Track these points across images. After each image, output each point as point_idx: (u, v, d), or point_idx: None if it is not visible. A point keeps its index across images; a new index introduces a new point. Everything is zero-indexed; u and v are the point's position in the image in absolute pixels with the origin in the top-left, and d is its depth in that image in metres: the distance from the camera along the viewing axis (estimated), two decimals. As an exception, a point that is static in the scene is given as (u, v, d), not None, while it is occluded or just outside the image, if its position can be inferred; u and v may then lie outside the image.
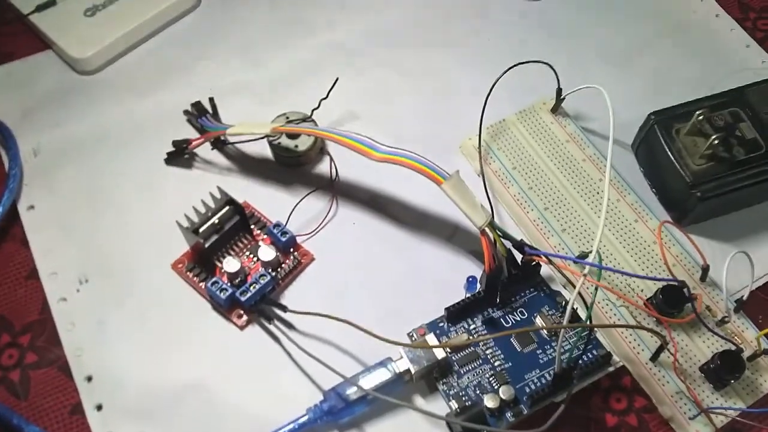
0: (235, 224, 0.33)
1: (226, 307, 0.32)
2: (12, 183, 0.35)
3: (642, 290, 0.33)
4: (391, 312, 0.32)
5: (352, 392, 0.29)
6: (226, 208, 0.33)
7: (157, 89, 0.39)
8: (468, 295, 0.32)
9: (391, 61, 0.41)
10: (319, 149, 0.37)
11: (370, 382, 0.29)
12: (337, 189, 0.36)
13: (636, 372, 0.31)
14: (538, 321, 0.32)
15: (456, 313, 0.32)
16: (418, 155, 0.31)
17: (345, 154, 0.33)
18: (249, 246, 0.34)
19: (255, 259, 0.33)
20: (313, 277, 0.34)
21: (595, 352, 0.31)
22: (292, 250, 0.34)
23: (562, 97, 0.37)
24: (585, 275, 0.29)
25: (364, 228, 0.35)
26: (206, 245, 0.32)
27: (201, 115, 0.37)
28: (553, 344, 0.31)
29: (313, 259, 0.34)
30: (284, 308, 0.31)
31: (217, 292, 0.31)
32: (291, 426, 0.29)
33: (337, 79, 0.37)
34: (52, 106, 0.39)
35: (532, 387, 0.30)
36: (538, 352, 0.31)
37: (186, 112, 0.38)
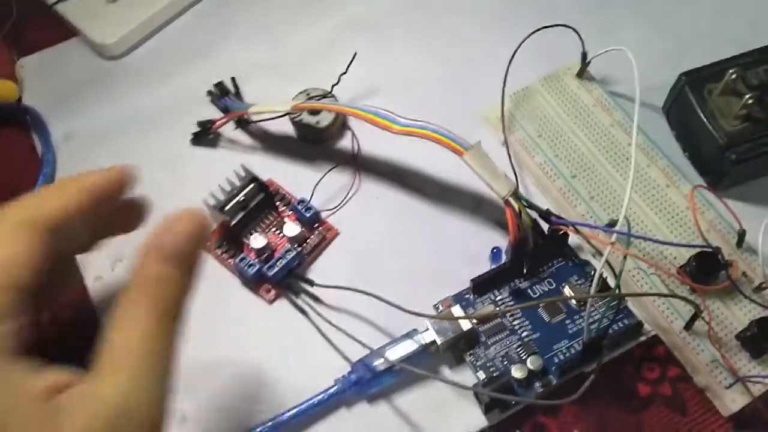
0: (260, 201, 0.33)
1: (254, 283, 0.32)
2: (46, 168, 0.36)
3: (675, 257, 0.32)
4: (416, 284, 0.32)
5: (379, 363, 0.29)
6: (251, 185, 0.33)
7: (180, 71, 0.40)
8: (493, 266, 0.32)
9: (409, 32, 0.40)
10: (341, 124, 0.37)
11: (396, 353, 0.29)
12: (360, 163, 0.36)
13: (669, 341, 0.30)
14: (567, 291, 0.31)
15: (482, 285, 0.31)
16: (438, 126, 0.31)
17: (367, 128, 0.32)
18: (275, 222, 0.34)
19: (281, 235, 0.33)
20: (338, 251, 0.34)
21: (625, 321, 0.30)
22: (316, 225, 0.34)
23: (587, 61, 0.36)
24: (613, 244, 0.28)
25: (387, 201, 0.35)
26: (232, 223, 0.33)
27: (224, 95, 0.37)
28: (583, 314, 0.30)
29: (337, 234, 0.34)
30: (311, 282, 0.32)
31: (245, 268, 0.32)
32: (320, 397, 0.29)
33: (355, 54, 0.37)
34: (80, 92, 0.39)
35: (561, 357, 0.30)
36: (567, 322, 0.31)
37: (209, 93, 0.38)
